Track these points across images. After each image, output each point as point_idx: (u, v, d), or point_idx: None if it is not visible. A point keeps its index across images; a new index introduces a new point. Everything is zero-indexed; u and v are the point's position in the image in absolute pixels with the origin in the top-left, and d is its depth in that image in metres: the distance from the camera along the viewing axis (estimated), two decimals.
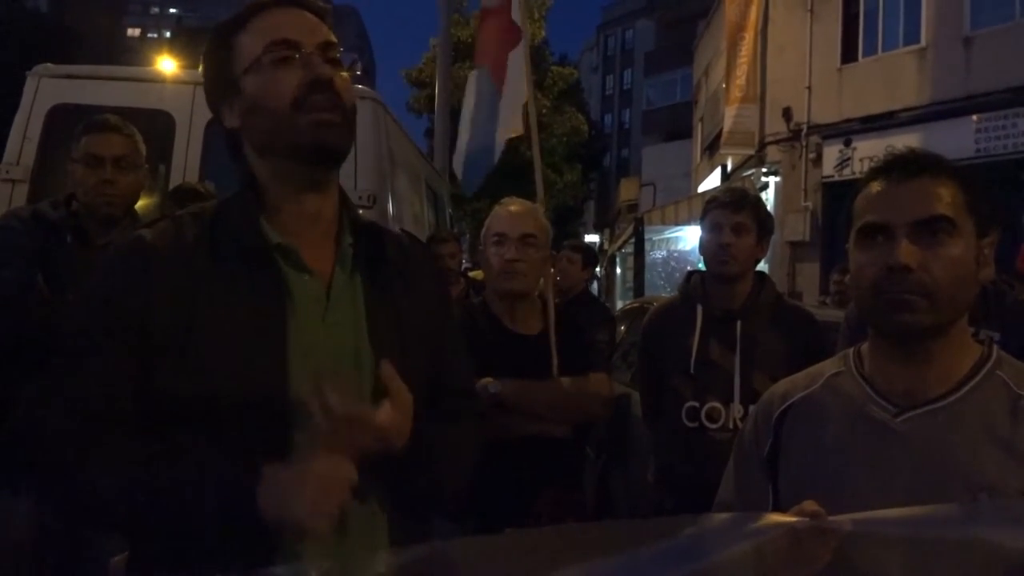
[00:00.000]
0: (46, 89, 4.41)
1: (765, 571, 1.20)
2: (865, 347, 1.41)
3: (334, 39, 1.33)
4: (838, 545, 1.16)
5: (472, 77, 3.74)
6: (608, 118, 53.07)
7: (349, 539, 1.23)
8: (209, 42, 1.36)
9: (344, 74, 1.32)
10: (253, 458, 1.16)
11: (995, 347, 1.35)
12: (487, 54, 3.64)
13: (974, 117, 12.46)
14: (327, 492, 1.13)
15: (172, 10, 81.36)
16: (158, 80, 5.03)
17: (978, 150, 12.32)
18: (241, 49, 1.30)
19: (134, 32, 74.31)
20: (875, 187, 1.33)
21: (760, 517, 1.23)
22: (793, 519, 1.19)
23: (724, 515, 1.35)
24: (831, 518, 1.17)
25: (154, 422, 1.21)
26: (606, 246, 33.27)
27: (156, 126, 4.18)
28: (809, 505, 1.19)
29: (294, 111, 1.25)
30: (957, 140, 12.18)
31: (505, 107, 3.47)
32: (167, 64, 20.72)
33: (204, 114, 4.40)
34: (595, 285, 18.62)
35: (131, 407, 1.21)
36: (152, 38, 72.86)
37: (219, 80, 1.34)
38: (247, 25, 1.31)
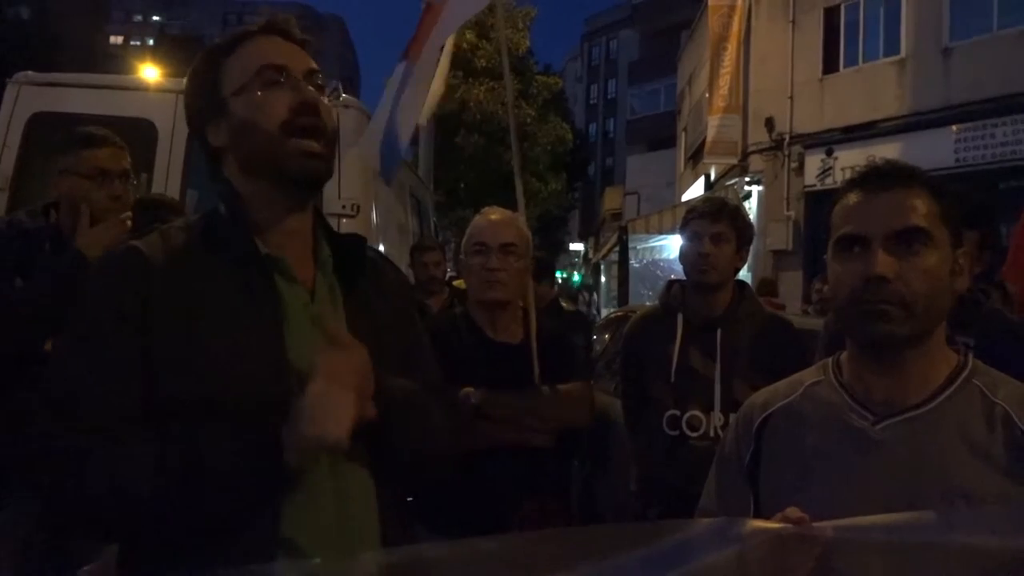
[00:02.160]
0: (26, 97, 4.39)
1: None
2: (844, 356, 1.43)
3: (316, 67, 1.42)
4: (821, 552, 1.17)
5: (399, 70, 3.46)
6: (592, 127, 53.26)
7: (346, 504, 1.31)
8: (197, 64, 1.43)
9: (326, 100, 1.41)
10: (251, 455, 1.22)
11: (971, 355, 1.37)
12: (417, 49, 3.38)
13: (953, 127, 12.62)
14: (341, 407, 1.20)
15: (155, 18, 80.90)
16: (141, 88, 5.02)
17: (957, 160, 12.45)
18: (231, 72, 1.38)
19: (117, 40, 73.59)
20: (852, 198, 1.35)
21: (744, 523, 1.24)
22: (777, 525, 1.19)
23: (708, 520, 1.35)
24: (814, 524, 1.18)
25: (155, 426, 1.23)
26: (591, 255, 33.37)
27: (138, 134, 4.16)
28: (792, 512, 1.20)
29: (283, 134, 1.33)
30: (937, 150, 12.32)
31: (412, 94, 3.28)
32: (150, 72, 20.64)
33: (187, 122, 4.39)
34: (593, 298, 18.16)
35: (130, 414, 1.23)
36: (135, 46, 72.33)
37: (206, 101, 1.40)
38: (236, 50, 1.40)
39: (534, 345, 2.50)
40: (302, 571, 1.23)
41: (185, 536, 1.20)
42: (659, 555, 1.15)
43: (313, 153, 1.34)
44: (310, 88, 1.37)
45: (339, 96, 1.31)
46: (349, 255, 1.47)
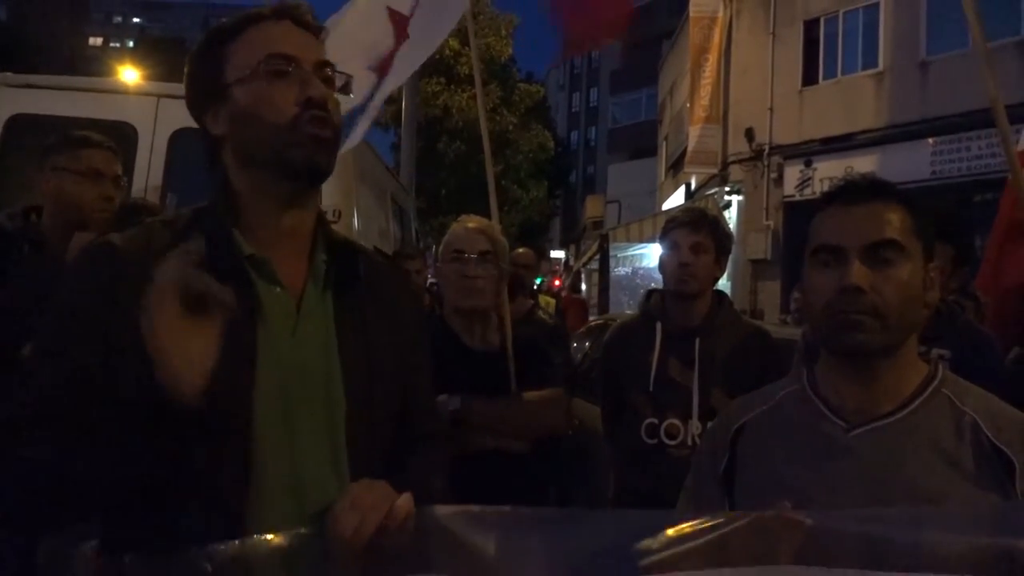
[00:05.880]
0: (5, 98, 4.36)
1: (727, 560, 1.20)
2: (818, 365, 1.45)
3: (328, 59, 1.34)
4: (802, 535, 1.16)
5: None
6: (574, 135, 53.35)
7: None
8: (200, 46, 1.35)
9: (336, 95, 1.33)
10: (214, 468, 1.18)
11: (940, 366, 1.39)
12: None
13: (930, 140, 12.78)
14: None
15: (135, 20, 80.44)
16: (120, 91, 4.98)
17: (933, 172, 12.62)
18: (235, 58, 1.30)
19: (96, 41, 72.90)
20: (829, 211, 1.38)
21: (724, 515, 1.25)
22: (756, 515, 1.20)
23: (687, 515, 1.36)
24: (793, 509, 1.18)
25: (114, 428, 1.19)
26: (572, 262, 33.41)
27: (118, 138, 4.12)
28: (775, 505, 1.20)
29: (291, 126, 1.26)
30: (913, 162, 12.48)
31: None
32: (129, 74, 20.50)
33: (167, 126, 4.37)
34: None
35: (87, 412, 1.18)
36: (115, 48, 71.79)
37: (207, 86, 1.32)
38: (243, 34, 1.31)
39: (510, 352, 2.52)
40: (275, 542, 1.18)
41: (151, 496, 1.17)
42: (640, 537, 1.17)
43: (321, 139, 1.27)
44: (320, 82, 1.29)
45: (349, 92, 1.24)
46: (346, 263, 1.38)
